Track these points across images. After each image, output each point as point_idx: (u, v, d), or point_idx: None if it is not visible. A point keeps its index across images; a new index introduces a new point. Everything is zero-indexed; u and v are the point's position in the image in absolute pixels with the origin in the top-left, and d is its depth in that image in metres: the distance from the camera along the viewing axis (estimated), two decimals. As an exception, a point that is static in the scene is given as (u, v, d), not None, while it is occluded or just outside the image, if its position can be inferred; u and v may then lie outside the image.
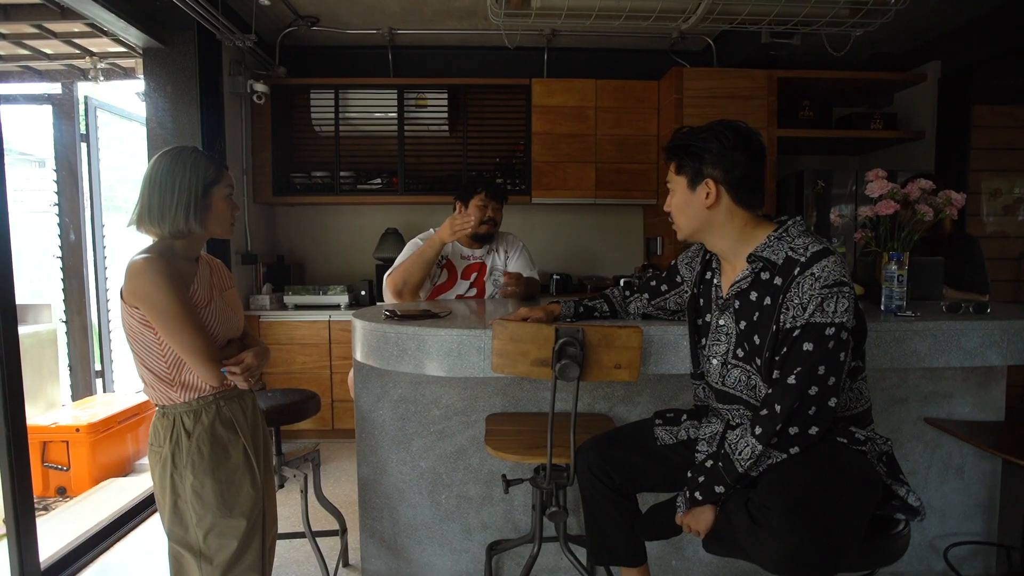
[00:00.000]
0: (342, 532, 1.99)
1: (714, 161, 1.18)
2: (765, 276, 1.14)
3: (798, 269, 1.08)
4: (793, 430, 1.02)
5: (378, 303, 2.89)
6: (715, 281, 1.28)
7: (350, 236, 3.78)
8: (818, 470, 1.02)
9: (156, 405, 1.28)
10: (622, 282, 1.63)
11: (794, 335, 1.06)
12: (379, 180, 3.50)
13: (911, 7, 1.97)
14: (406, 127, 3.45)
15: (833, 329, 1.04)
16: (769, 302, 1.12)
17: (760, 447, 1.04)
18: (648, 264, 3.66)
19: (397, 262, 2.20)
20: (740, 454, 1.06)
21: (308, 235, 3.79)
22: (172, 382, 1.24)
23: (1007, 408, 1.87)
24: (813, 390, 1.02)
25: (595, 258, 3.86)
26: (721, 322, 1.23)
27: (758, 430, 1.05)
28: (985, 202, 3.31)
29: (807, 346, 1.04)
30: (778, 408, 1.03)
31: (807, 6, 1.90)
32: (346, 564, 1.98)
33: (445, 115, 3.43)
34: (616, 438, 1.35)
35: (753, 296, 1.16)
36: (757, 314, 1.14)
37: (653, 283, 1.48)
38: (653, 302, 1.48)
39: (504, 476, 1.47)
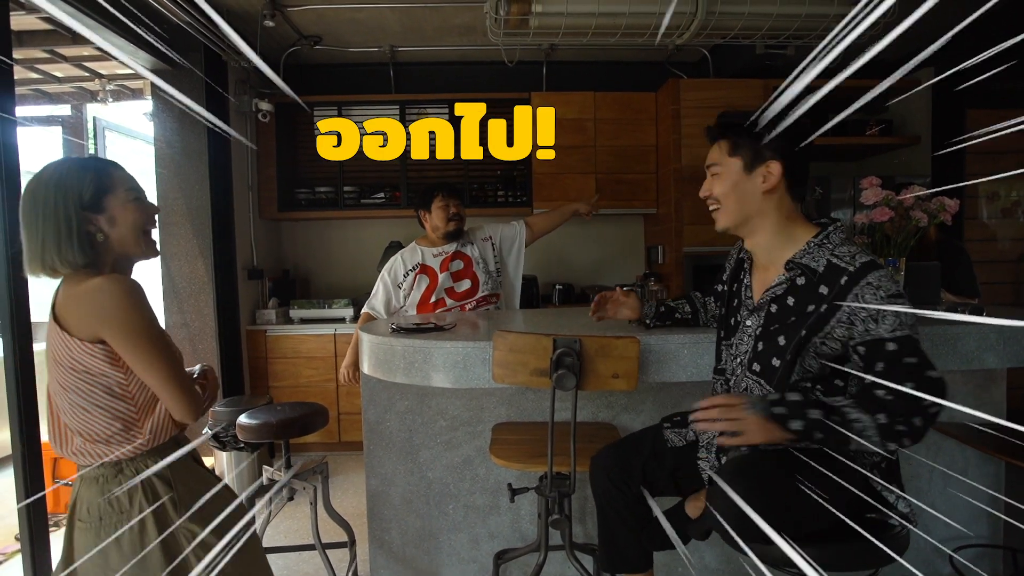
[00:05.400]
0: (351, 543, 2.00)
1: (782, 145, 1.14)
2: (801, 282, 1.13)
3: (846, 278, 1.06)
4: (918, 420, 0.99)
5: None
6: (746, 281, 1.27)
7: (354, 250, 3.82)
8: (782, 477, 1.04)
9: (98, 465, 1.01)
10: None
11: (889, 348, 1.02)
12: (382, 194, 3.55)
13: (902, 16, 2.01)
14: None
15: (916, 334, 1.04)
16: (812, 308, 1.09)
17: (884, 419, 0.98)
18: (649, 273, 3.69)
19: (371, 302, 2.33)
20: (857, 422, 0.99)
21: (313, 249, 3.84)
22: (137, 428, 1.03)
23: (1008, 410, 1.88)
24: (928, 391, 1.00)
25: (597, 267, 3.90)
26: (748, 323, 1.22)
27: (881, 416, 0.98)
28: (984, 205, 3.34)
29: (909, 360, 1.02)
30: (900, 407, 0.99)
31: (797, 21, 1.95)
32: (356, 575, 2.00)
33: (446, 129, 3.49)
34: (631, 444, 1.35)
35: (790, 301, 1.14)
36: (792, 318, 1.12)
37: (717, 287, 1.48)
38: (718, 303, 1.47)
39: (510, 485, 1.49)
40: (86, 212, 1.01)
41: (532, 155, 3.45)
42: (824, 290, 1.08)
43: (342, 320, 3.30)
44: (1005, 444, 1.55)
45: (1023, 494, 1.59)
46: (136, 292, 0.99)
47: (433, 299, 2.23)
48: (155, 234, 1.12)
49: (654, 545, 1.31)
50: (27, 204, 1.00)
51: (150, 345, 0.98)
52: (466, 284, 2.26)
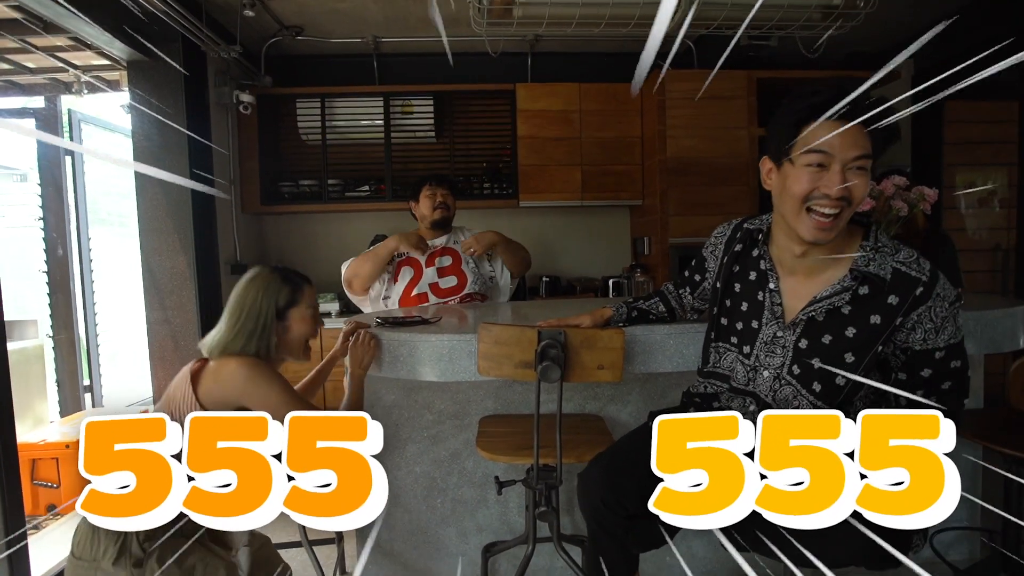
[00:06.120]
0: (338, 540, 1.99)
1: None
2: (864, 291, 1.05)
3: (922, 289, 1.02)
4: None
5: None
6: (772, 286, 1.13)
7: (339, 243, 3.78)
8: None
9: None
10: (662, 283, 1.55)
11: (937, 356, 1.05)
12: (367, 187, 3.51)
13: (881, 9, 2.04)
14: (393, 134, 3.47)
15: (964, 338, 1.07)
16: (878, 320, 1.04)
17: None
18: (636, 264, 3.70)
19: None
20: None
21: (297, 243, 3.79)
22: None
23: (985, 396, 1.92)
24: (967, 398, 1.08)
25: (583, 259, 3.90)
26: (780, 334, 1.12)
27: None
28: (961, 195, 3.39)
29: (955, 363, 1.06)
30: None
31: (779, 11, 1.95)
32: (343, 572, 1.99)
33: (431, 121, 3.46)
34: (620, 463, 1.21)
35: (846, 311, 1.06)
36: (853, 331, 1.05)
37: (687, 274, 1.39)
38: (695, 294, 1.39)
39: (497, 478, 1.49)
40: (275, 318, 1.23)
41: (516, 143, 3.44)
42: (894, 300, 1.03)
43: (327, 315, 3.27)
44: (983, 428, 1.59)
45: (999, 478, 1.63)
46: (266, 371, 1.16)
47: (416, 292, 2.21)
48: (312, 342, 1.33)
49: (640, 547, 1.27)
50: (237, 299, 1.21)
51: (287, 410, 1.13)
52: (452, 281, 2.23)
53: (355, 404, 1.34)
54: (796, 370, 1.09)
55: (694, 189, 3.21)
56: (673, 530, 1.17)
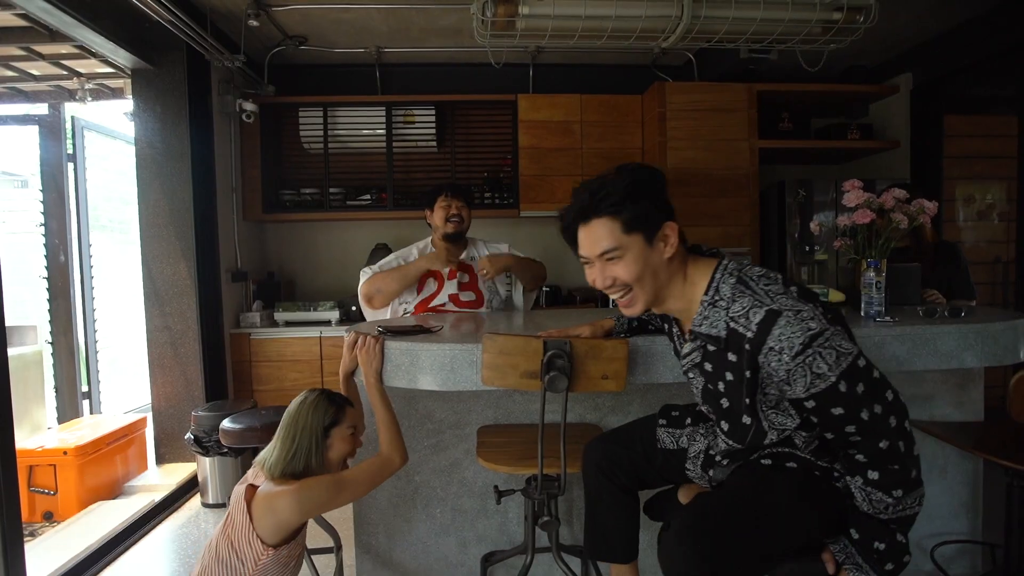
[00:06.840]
0: (337, 549, 1.98)
1: (664, 201, 1.04)
2: (712, 348, 1.04)
3: (748, 346, 0.96)
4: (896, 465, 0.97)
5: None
6: (675, 331, 1.19)
7: (340, 252, 3.78)
8: (739, 496, 1.02)
9: None
10: None
11: (808, 405, 0.97)
12: (368, 196, 3.52)
13: (881, 24, 2.06)
14: (394, 143, 3.49)
15: (842, 381, 0.94)
16: (732, 378, 1.02)
17: (889, 496, 0.97)
18: (636, 274, 3.71)
19: (377, 267, 2.22)
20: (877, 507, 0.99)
21: (298, 252, 3.79)
22: None
23: (986, 408, 1.92)
24: (892, 430, 0.96)
25: (584, 269, 3.90)
26: (691, 375, 1.13)
27: (873, 490, 0.97)
28: (960, 208, 3.41)
29: (836, 410, 0.95)
30: (862, 458, 0.97)
31: (780, 25, 1.98)
32: (341, 581, 1.97)
33: (433, 131, 3.48)
34: (623, 437, 1.33)
35: (708, 367, 1.06)
36: (720, 383, 1.05)
37: None
38: None
39: (496, 487, 1.49)
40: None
41: (517, 153, 3.46)
42: (733, 357, 1.00)
43: (327, 323, 3.27)
44: (983, 441, 1.59)
45: (1000, 490, 1.62)
46: (314, 486, 1.24)
47: (435, 303, 2.20)
48: (350, 462, 1.38)
49: (652, 514, 1.31)
50: (292, 421, 1.29)
51: (347, 497, 1.29)
52: (471, 295, 2.22)
53: (385, 417, 1.39)
54: (717, 412, 1.11)
55: (694, 200, 3.22)
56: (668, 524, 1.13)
